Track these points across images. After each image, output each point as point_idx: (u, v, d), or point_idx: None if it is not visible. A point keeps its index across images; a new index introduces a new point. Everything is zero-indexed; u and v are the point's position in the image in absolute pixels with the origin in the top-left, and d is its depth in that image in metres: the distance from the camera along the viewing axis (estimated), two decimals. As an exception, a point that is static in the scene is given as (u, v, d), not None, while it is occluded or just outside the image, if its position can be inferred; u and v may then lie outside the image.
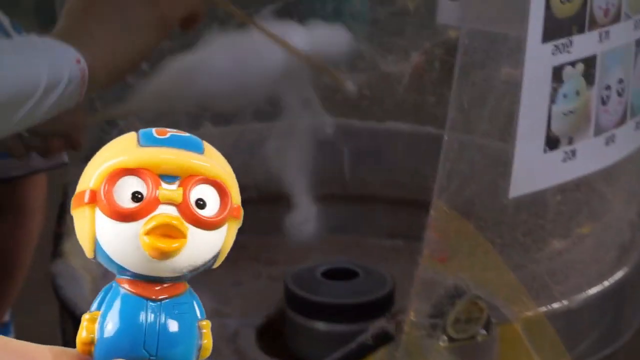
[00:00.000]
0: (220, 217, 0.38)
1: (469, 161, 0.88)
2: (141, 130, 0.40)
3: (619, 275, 0.98)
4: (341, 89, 1.16)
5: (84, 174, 0.39)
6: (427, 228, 0.87)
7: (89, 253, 0.39)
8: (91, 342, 0.38)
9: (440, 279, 0.88)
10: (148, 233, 0.37)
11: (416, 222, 0.94)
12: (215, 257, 0.39)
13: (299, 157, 1.14)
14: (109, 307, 0.38)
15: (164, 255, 0.37)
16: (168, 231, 0.37)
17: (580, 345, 0.95)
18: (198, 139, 0.39)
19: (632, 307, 1.03)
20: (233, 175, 0.40)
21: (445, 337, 0.87)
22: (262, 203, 1.21)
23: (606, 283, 0.96)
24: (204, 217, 0.38)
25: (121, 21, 0.95)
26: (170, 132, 0.39)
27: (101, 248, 0.38)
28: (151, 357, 0.38)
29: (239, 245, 1.24)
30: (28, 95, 0.88)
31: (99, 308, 0.39)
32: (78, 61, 0.90)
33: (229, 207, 0.38)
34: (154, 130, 0.39)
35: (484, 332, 0.88)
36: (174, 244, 0.37)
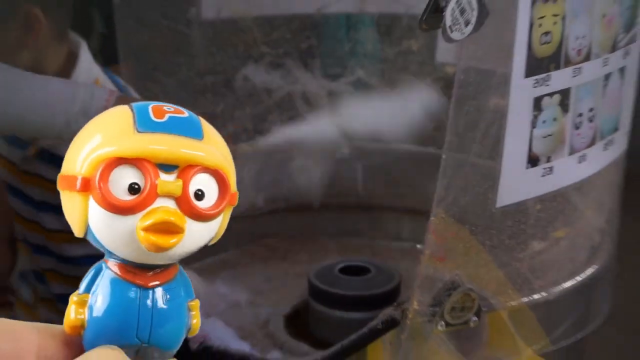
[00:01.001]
0: (219, 208, 0.32)
1: (463, 176, 0.87)
2: (136, 108, 0.33)
3: (589, 272, 0.97)
4: None
5: (72, 153, 0.32)
6: (428, 232, 0.86)
7: (78, 234, 0.33)
8: (81, 326, 0.33)
9: (439, 275, 0.87)
10: (146, 229, 0.31)
11: (419, 228, 0.93)
12: (210, 240, 0.34)
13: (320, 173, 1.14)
14: (101, 292, 0.33)
15: (161, 250, 0.31)
16: (166, 227, 0.31)
17: (557, 331, 0.95)
18: (197, 121, 0.33)
19: (600, 299, 1.02)
20: (231, 160, 0.34)
21: (443, 323, 0.87)
22: (289, 212, 1.21)
23: (578, 278, 0.96)
24: (203, 209, 0.32)
25: None
26: (168, 114, 0.32)
27: (92, 234, 0.32)
28: (143, 344, 0.33)
29: (270, 247, 1.24)
30: None
31: (87, 290, 0.33)
32: None
33: (227, 197, 0.33)
34: (150, 109, 0.32)
35: (475, 318, 0.88)
36: (172, 240, 0.31)
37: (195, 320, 0.34)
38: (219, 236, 0.34)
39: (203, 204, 0.32)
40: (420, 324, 0.87)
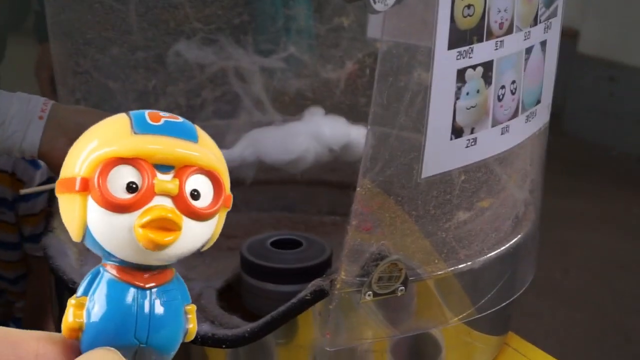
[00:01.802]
0: (214, 208, 0.33)
1: (389, 148, 0.86)
2: (133, 114, 0.33)
3: (513, 241, 0.98)
4: None
5: (71, 158, 0.33)
6: (354, 203, 0.86)
7: (76, 237, 0.33)
8: (79, 328, 0.33)
9: (366, 245, 0.87)
10: (144, 226, 0.32)
11: (351, 202, 0.93)
12: (205, 244, 0.35)
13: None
14: (98, 294, 0.33)
15: (158, 247, 0.32)
16: (164, 224, 0.32)
17: (482, 299, 0.95)
18: (191, 126, 0.34)
19: (524, 268, 1.03)
20: (225, 163, 0.35)
21: (370, 293, 0.87)
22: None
23: (503, 248, 0.96)
24: (199, 208, 0.33)
25: None
26: (163, 118, 0.33)
27: (91, 235, 0.33)
28: (141, 344, 0.33)
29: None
30: None
31: (85, 293, 0.33)
32: None
33: (222, 197, 0.34)
34: (146, 114, 0.33)
35: (402, 288, 0.88)
36: (169, 237, 0.32)
37: (192, 325, 0.35)
38: (214, 239, 0.35)
39: (199, 204, 0.33)
40: (348, 294, 0.87)
